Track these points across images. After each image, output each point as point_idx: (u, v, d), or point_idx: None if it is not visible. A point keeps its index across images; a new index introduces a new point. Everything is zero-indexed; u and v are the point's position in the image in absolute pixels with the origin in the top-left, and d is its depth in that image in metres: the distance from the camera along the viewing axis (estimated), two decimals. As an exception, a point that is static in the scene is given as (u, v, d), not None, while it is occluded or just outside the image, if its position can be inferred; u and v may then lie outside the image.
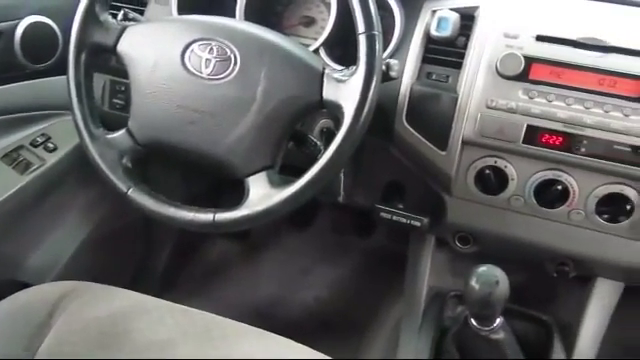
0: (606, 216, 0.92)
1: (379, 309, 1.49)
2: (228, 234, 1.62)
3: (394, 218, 1.02)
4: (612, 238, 0.93)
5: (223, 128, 0.82)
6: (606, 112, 0.85)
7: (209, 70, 0.82)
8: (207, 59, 0.83)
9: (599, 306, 1.06)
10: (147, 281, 1.54)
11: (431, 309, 1.15)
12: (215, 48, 0.83)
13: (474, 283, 0.84)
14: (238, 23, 0.91)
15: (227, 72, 0.82)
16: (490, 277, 0.85)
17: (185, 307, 0.85)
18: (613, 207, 0.91)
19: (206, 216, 0.83)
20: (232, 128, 0.82)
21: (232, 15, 1.04)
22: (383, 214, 1.03)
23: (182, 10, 1.07)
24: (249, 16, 1.03)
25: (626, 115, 0.85)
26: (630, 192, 0.88)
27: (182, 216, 0.84)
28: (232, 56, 0.82)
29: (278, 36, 0.85)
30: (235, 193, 0.85)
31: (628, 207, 0.89)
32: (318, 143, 0.90)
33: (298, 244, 1.63)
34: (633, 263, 0.95)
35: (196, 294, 1.56)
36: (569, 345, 1.07)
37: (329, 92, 0.80)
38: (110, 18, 0.90)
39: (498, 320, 0.90)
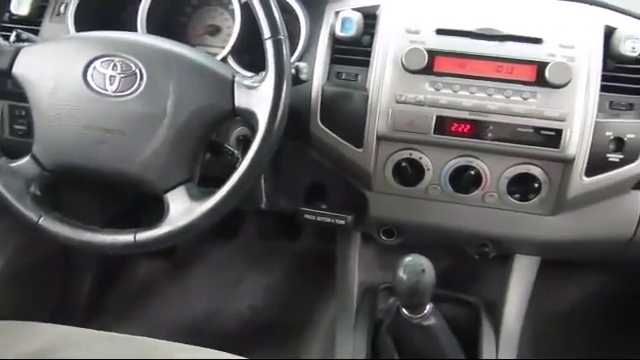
0: (517, 195, 0.96)
1: (314, 310, 1.50)
2: (153, 253, 1.57)
3: (318, 219, 1.03)
4: (525, 216, 0.98)
5: (135, 145, 0.80)
6: (507, 97, 0.90)
7: (114, 87, 0.80)
8: (111, 76, 0.80)
9: (520, 281, 1.12)
10: (71, 312, 1.48)
11: (364, 304, 1.17)
12: (119, 64, 0.81)
13: (402, 274, 0.87)
14: (141, 37, 0.89)
15: (134, 88, 0.80)
16: (416, 266, 0.87)
17: (114, 334, 0.82)
18: (523, 186, 0.96)
19: (126, 237, 0.81)
20: (145, 144, 0.80)
21: (134, 29, 1.01)
22: (307, 216, 1.04)
23: (80, 27, 1.03)
24: (151, 29, 1.01)
25: (525, 99, 0.89)
26: (536, 171, 0.93)
27: (101, 240, 0.82)
28: (137, 71, 0.80)
29: (184, 47, 0.84)
30: (156, 210, 0.83)
31: (536, 185, 0.94)
32: (235, 152, 0.89)
33: (226, 255, 1.62)
34: (546, 237, 1.01)
35: (126, 318, 1.51)
36: (496, 322, 1.12)
37: (241, 100, 0.80)
38: (1, 40, 0.86)
39: (428, 307, 0.93)
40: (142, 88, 0.80)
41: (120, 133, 0.80)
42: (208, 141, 0.84)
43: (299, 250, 1.59)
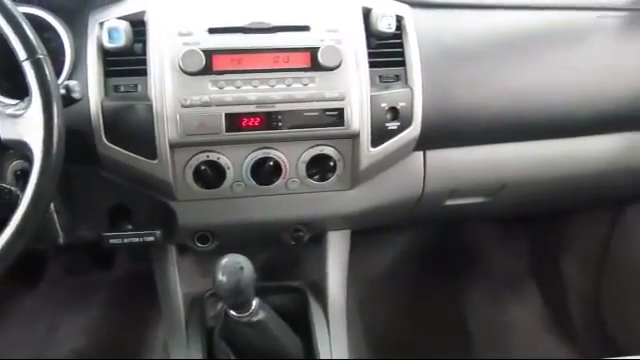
0: (317, 177, 1.01)
1: (144, 334, 1.43)
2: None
3: (125, 241, 0.98)
4: (327, 194, 1.03)
5: None
6: (288, 86, 0.93)
7: None
8: None
9: (336, 256, 1.18)
10: None
11: (192, 316, 1.14)
12: None
13: (220, 276, 0.86)
14: None
15: None
16: (234, 265, 0.87)
17: None
18: (320, 167, 1.00)
19: None
20: None
21: None
22: (113, 240, 0.98)
23: None
24: None
25: (305, 84, 0.93)
26: (329, 150, 0.98)
27: None
28: None
29: None
30: None
31: (331, 164, 0.99)
32: (13, 189, 0.80)
33: (35, 302, 1.47)
34: (350, 210, 1.07)
35: None
36: (323, 300, 1.17)
37: (7, 130, 0.73)
38: None
39: (254, 302, 0.93)
40: None
41: None
42: (-24, 183, 0.75)
43: (116, 277, 1.51)
